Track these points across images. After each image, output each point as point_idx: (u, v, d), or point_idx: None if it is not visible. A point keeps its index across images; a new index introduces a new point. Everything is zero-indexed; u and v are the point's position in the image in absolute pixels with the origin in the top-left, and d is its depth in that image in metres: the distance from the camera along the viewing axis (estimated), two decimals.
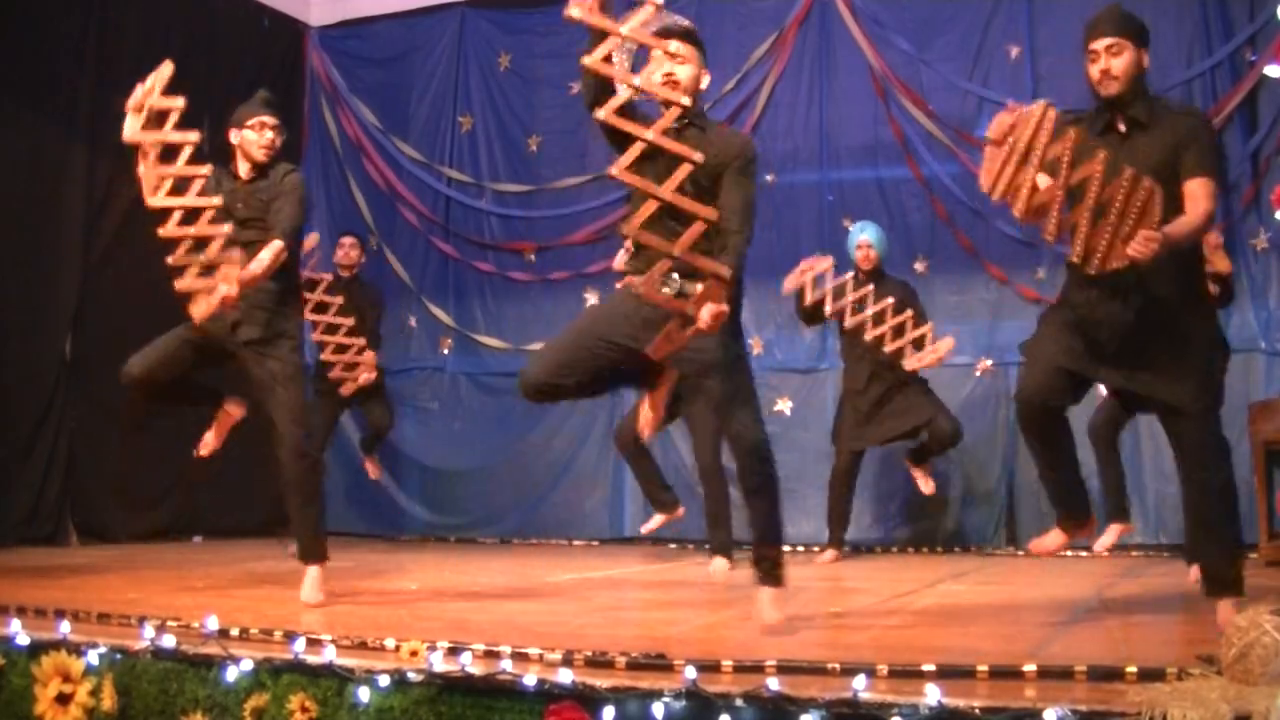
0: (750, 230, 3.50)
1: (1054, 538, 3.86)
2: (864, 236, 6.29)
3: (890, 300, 5.97)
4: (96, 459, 7.14)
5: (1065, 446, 3.73)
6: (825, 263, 6.08)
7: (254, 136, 4.36)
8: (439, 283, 8.49)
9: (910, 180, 7.35)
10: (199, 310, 4.05)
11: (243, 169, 4.39)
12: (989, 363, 7.06)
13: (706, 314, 3.23)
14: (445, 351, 8.43)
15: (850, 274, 6.14)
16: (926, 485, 6.42)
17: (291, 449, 4.21)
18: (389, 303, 8.55)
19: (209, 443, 4.55)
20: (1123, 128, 3.52)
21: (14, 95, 6.83)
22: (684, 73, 3.56)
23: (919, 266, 7.21)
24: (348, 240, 7.14)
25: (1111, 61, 3.48)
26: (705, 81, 3.69)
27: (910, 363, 5.99)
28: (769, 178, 7.62)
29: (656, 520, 6.18)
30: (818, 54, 7.63)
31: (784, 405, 7.50)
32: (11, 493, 6.70)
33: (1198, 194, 3.40)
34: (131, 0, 7.48)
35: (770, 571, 3.60)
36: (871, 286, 6.10)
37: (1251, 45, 6.71)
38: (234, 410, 4.53)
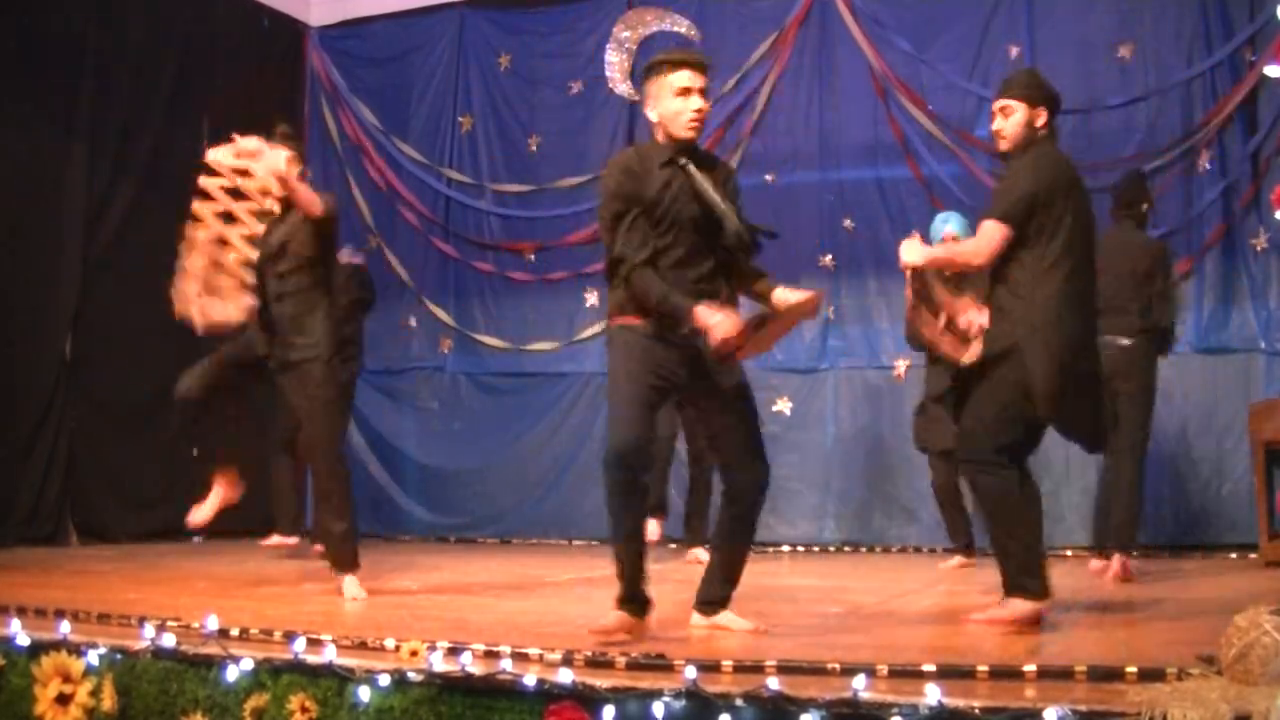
0: None
1: (1024, 608, 3.63)
2: (949, 228, 5.81)
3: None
4: (96, 459, 7.14)
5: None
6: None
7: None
8: (439, 283, 8.49)
9: (910, 180, 7.35)
10: (180, 305, 4.17)
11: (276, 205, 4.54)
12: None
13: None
14: (445, 351, 8.43)
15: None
16: None
17: (320, 465, 4.53)
18: (389, 303, 8.56)
19: (202, 515, 4.65)
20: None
21: (14, 95, 6.83)
22: (706, 109, 3.49)
23: None
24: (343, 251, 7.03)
25: (1003, 123, 3.81)
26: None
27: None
28: (768, 178, 7.62)
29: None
30: (818, 54, 7.63)
31: (784, 405, 7.49)
32: (11, 493, 6.70)
33: (979, 231, 3.74)
34: (131, 0, 7.48)
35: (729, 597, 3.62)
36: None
37: (1251, 45, 6.71)
38: (229, 493, 4.67)
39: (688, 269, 3.40)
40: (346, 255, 6.79)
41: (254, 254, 4.32)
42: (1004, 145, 3.80)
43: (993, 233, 3.65)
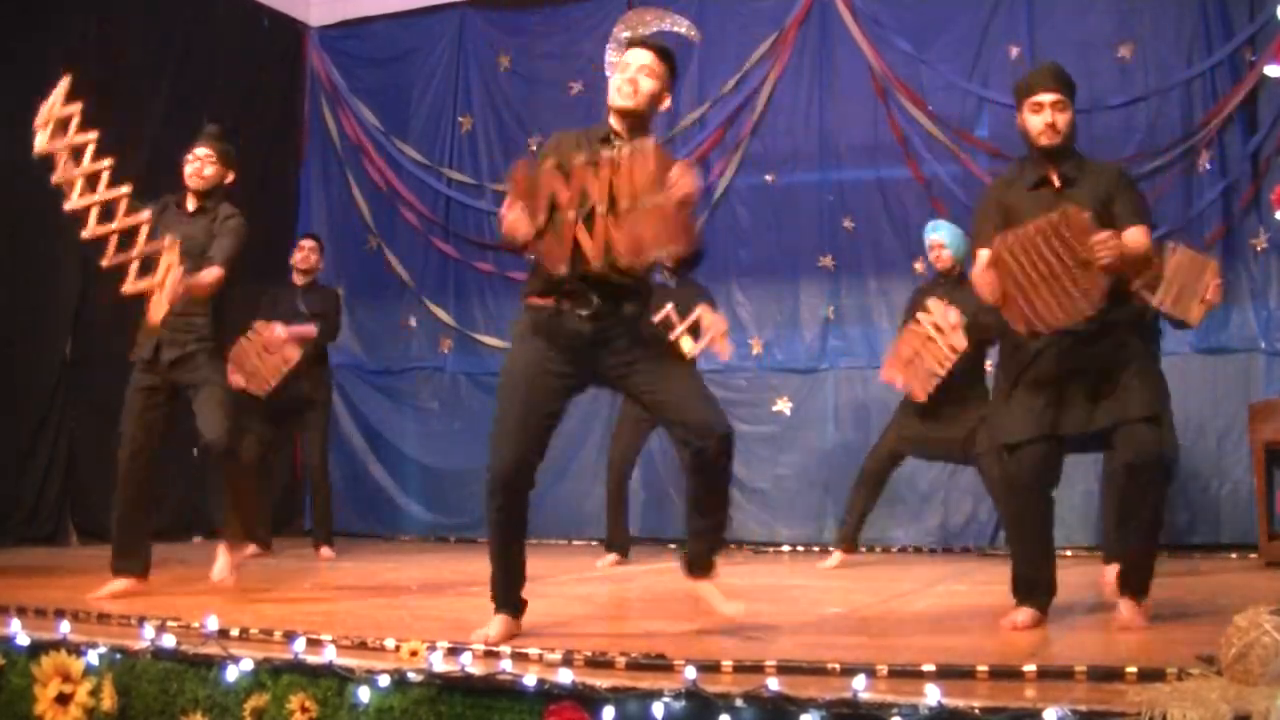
0: None
1: (1027, 616, 3.66)
2: (935, 236, 5.90)
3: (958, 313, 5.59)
4: (96, 459, 7.12)
5: (1050, 522, 3.75)
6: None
7: (188, 168, 4.64)
8: (439, 283, 8.49)
9: (910, 180, 7.35)
10: (156, 311, 4.15)
11: (190, 202, 4.65)
12: (989, 364, 7.05)
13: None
14: (445, 351, 8.43)
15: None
16: None
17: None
18: (389, 303, 8.57)
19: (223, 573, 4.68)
20: (1058, 183, 3.65)
21: (14, 95, 6.82)
22: (645, 85, 3.49)
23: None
24: (307, 243, 6.96)
25: (1057, 116, 3.65)
26: (665, 104, 3.59)
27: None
28: (769, 177, 7.63)
29: (611, 559, 6.25)
30: (818, 54, 7.63)
31: (784, 405, 7.49)
32: (11, 493, 6.70)
33: (1138, 235, 3.56)
34: (131, 0, 7.48)
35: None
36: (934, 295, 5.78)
37: (1251, 45, 6.71)
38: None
39: None
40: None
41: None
42: (1057, 140, 3.64)
43: (1149, 235, 3.62)
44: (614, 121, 3.49)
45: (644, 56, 3.50)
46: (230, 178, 4.75)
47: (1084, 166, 3.71)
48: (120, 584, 4.51)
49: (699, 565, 3.58)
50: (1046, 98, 3.65)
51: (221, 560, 4.63)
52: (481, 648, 2.98)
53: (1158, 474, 3.56)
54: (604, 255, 3.14)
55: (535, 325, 3.39)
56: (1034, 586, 3.71)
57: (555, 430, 3.48)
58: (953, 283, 5.83)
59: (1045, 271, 3.38)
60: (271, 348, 6.21)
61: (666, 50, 3.56)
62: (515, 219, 3.23)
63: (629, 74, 3.46)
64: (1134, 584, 3.65)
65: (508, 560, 3.51)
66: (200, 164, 4.64)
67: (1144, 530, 3.62)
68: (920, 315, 5.75)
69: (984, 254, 3.61)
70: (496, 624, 3.40)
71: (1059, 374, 3.60)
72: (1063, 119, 3.64)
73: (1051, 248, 3.37)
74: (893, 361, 5.82)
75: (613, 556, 6.27)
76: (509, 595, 3.49)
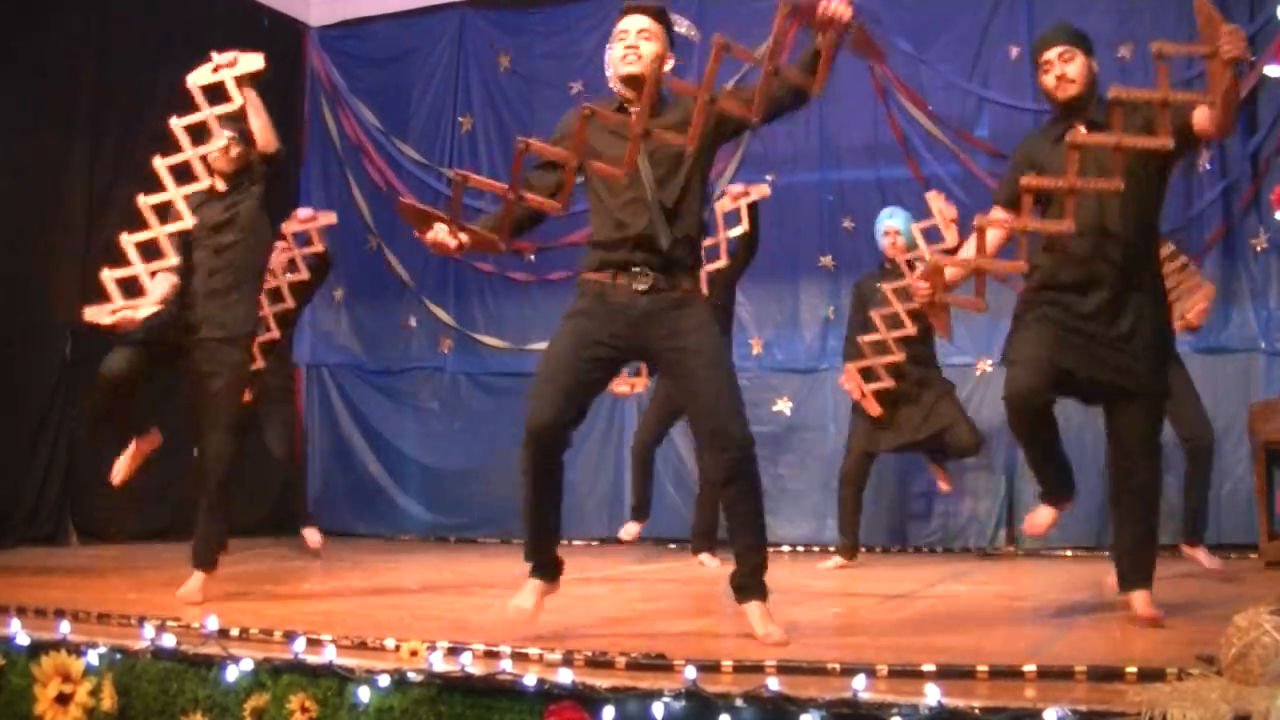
0: None
1: (1046, 514, 3.90)
2: (890, 222, 6.02)
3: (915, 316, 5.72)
4: (96, 459, 7.09)
5: (1055, 435, 3.76)
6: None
7: (213, 154, 4.58)
8: (439, 283, 8.49)
9: (910, 180, 7.34)
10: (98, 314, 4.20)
11: (219, 184, 4.61)
12: (989, 363, 7.06)
13: None
14: (445, 351, 8.43)
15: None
16: (945, 484, 6.37)
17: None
18: (389, 303, 8.57)
19: (121, 472, 4.69)
20: (1084, 131, 3.58)
21: (14, 95, 6.83)
22: (648, 49, 3.52)
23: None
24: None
25: (1065, 67, 3.62)
26: (669, 64, 3.62)
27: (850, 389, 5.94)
28: (769, 177, 7.61)
29: (635, 528, 6.29)
30: None
31: (784, 405, 7.49)
32: (12, 493, 6.70)
33: (1204, 110, 3.59)
34: (131, 0, 7.48)
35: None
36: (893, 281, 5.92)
37: (1251, 45, 6.70)
38: (147, 445, 4.76)
39: None
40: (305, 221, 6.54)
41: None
42: (1071, 89, 3.61)
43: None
44: (622, 89, 3.48)
45: (640, 20, 3.53)
46: (254, 154, 4.67)
47: (1110, 110, 3.60)
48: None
49: (737, 588, 3.40)
50: (1052, 53, 3.64)
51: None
52: (482, 647, 2.98)
53: (1151, 453, 3.63)
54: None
55: (588, 297, 3.40)
56: (1050, 488, 3.84)
57: (595, 397, 3.49)
58: (901, 272, 5.97)
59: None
60: None
61: (660, 10, 3.58)
62: (436, 241, 3.28)
63: (629, 40, 3.49)
64: (1139, 571, 3.66)
65: (538, 516, 3.48)
66: (227, 144, 4.58)
67: (1136, 508, 3.64)
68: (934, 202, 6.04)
69: (996, 212, 3.66)
70: (529, 590, 3.42)
71: (1073, 324, 3.62)
72: (1072, 68, 3.61)
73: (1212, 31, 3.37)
74: (852, 373, 5.95)
75: (635, 527, 6.28)
76: (540, 555, 3.48)
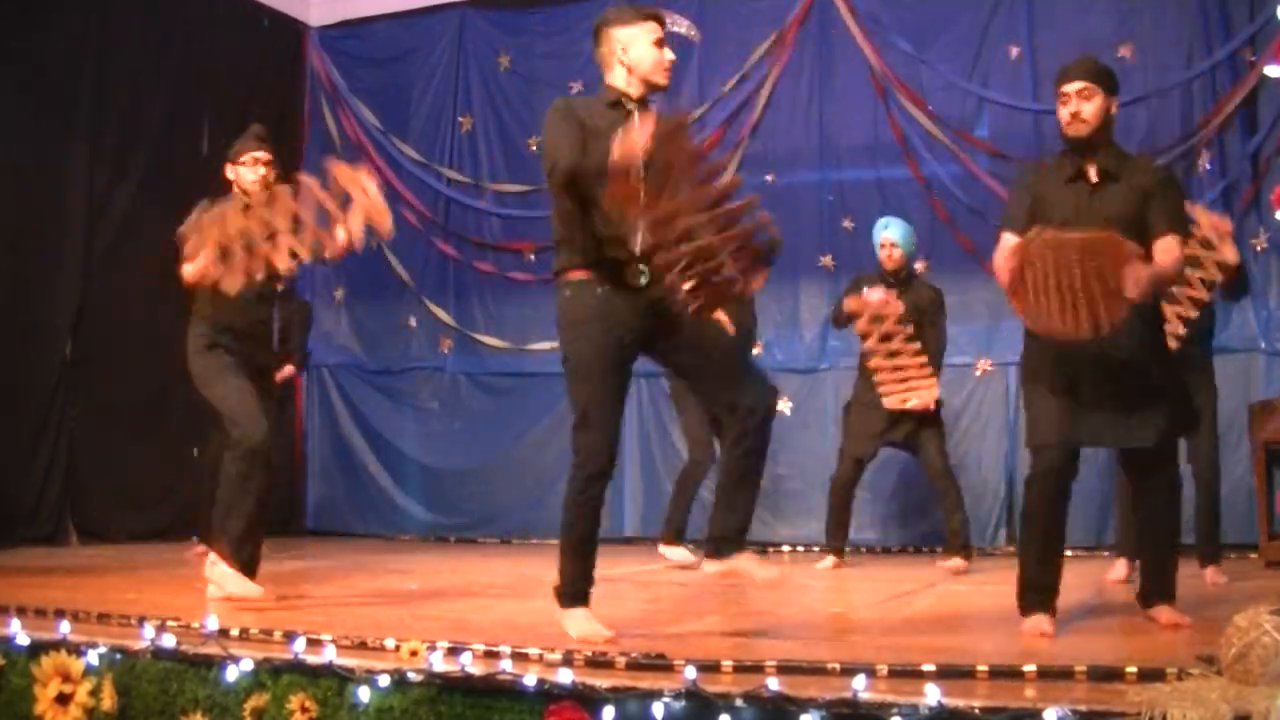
0: None
1: (1040, 624, 3.54)
2: (887, 234, 5.97)
3: (904, 321, 5.72)
4: (96, 459, 7.14)
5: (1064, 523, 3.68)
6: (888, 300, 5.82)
7: (247, 173, 4.42)
8: (439, 283, 8.49)
9: (910, 180, 7.35)
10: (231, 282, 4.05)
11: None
12: (989, 363, 7.06)
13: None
14: (445, 351, 8.43)
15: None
16: None
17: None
18: (389, 303, 8.57)
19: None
20: (1094, 177, 3.57)
21: (14, 95, 6.83)
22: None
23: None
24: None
25: (1082, 105, 3.58)
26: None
27: (890, 401, 5.79)
28: (769, 177, 7.62)
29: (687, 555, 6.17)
30: (818, 54, 7.63)
31: (784, 405, 7.48)
32: (12, 493, 6.70)
33: (1171, 247, 3.48)
34: (131, 0, 7.48)
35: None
36: (893, 292, 5.88)
37: (1251, 45, 6.71)
38: None
39: None
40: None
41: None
42: (1083, 130, 3.57)
43: (1183, 246, 3.56)
44: (634, 91, 3.41)
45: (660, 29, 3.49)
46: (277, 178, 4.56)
47: (1124, 162, 3.62)
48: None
49: (733, 542, 3.44)
50: (1071, 87, 3.60)
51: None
52: (482, 647, 2.97)
53: (1166, 496, 3.65)
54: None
55: (596, 301, 3.33)
56: (1043, 590, 3.60)
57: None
58: (901, 281, 5.96)
59: (1065, 283, 3.27)
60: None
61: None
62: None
63: (672, 55, 3.46)
64: (1163, 589, 3.69)
65: (594, 547, 3.45)
66: (266, 170, 4.44)
67: (1161, 540, 3.71)
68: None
69: (1008, 238, 3.54)
70: (583, 617, 3.34)
71: (1084, 373, 3.50)
72: (1088, 108, 3.57)
73: (1084, 265, 3.25)
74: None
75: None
76: (589, 583, 3.44)
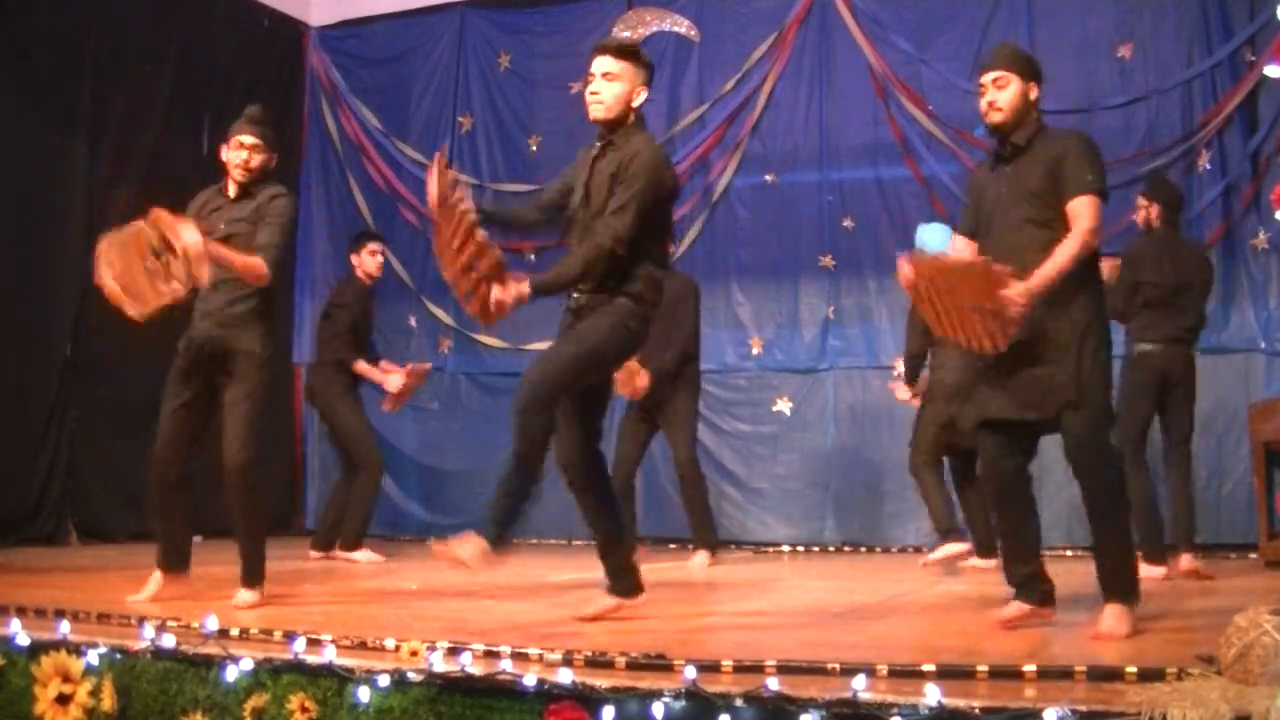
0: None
1: (1010, 609, 3.61)
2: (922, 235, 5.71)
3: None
4: (96, 459, 7.14)
5: (1031, 510, 3.66)
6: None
7: (232, 155, 4.33)
8: (439, 283, 8.43)
9: (910, 180, 7.35)
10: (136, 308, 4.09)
11: (231, 189, 4.35)
12: None
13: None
14: (445, 351, 8.43)
15: None
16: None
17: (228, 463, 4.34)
18: (389, 303, 8.56)
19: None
20: (1007, 155, 3.64)
21: (14, 95, 6.83)
22: (608, 92, 3.62)
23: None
24: (380, 246, 6.90)
25: (997, 94, 3.62)
26: (641, 98, 3.70)
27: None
28: (769, 177, 7.62)
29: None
30: (818, 54, 7.63)
31: (784, 405, 7.49)
32: (11, 493, 6.70)
33: (1078, 212, 3.46)
34: (131, 0, 7.48)
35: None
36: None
37: (1251, 45, 6.71)
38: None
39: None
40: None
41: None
42: (997, 118, 3.61)
43: (1097, 207, 3.48)
44: (600, 129, 3.57)
45: (603, 64, 3.60)
46: (274, 162, 4.42)
47: (1041, 135, 3.61)
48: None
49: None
50: (987, 78, 3.65)
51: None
52: (482, 647, 2.97)
53: (1092, 461, 3.46)
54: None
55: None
56: (1015, 576, 3.61)
57: None
58: None
59: (953, 305, 3.35)
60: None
61: (623, 47, 3.62)
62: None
63: (591, 85, 3.59)
64: (1114, 584, 3.47)
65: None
66: (248, 154, 4.28)
67: (1105, 523, 3.48)
68: None
69: (958, 240, 3.74)
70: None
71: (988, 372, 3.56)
72: (1003, 95, 3.60)
73: (963, 291, 3.32)
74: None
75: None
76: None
